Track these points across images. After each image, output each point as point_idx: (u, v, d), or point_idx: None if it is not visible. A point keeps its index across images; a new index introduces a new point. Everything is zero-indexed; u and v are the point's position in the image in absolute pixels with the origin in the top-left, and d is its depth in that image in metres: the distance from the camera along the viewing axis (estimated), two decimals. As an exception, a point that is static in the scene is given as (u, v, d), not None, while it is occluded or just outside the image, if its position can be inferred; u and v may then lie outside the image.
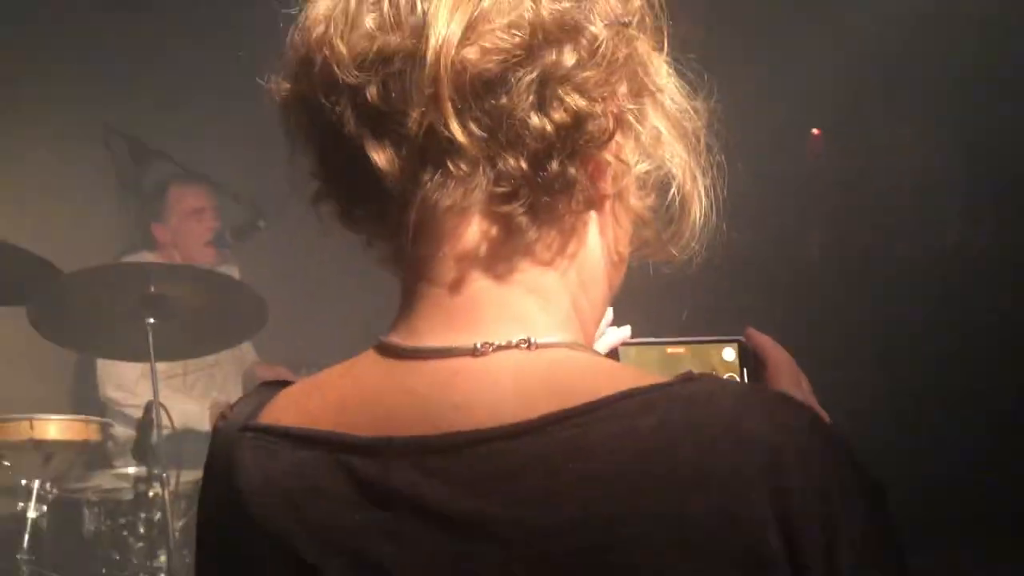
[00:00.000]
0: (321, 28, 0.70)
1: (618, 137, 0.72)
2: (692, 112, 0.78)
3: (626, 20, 0.72)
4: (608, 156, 0.72)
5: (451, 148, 0.67)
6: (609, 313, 0.99)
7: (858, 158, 3.04)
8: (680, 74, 0.79)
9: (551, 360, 0.71)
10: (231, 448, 0.76)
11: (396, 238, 0.74)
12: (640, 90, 0.74)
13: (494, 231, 0.71)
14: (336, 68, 0.69)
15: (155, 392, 2.81)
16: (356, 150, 0.70)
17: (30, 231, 2.96)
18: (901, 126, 3.01)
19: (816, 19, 2.98)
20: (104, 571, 2.88)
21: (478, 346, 0.70)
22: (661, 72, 0.77)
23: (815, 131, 3.06)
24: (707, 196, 0.79)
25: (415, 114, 0.67)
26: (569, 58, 0.68)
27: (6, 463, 2.91)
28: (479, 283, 0.72)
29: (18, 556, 2.78)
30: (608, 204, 0.75)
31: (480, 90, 0.67)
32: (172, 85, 3.65)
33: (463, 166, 0.67)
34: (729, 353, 0.97)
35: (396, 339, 0.74)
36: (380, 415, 0.71)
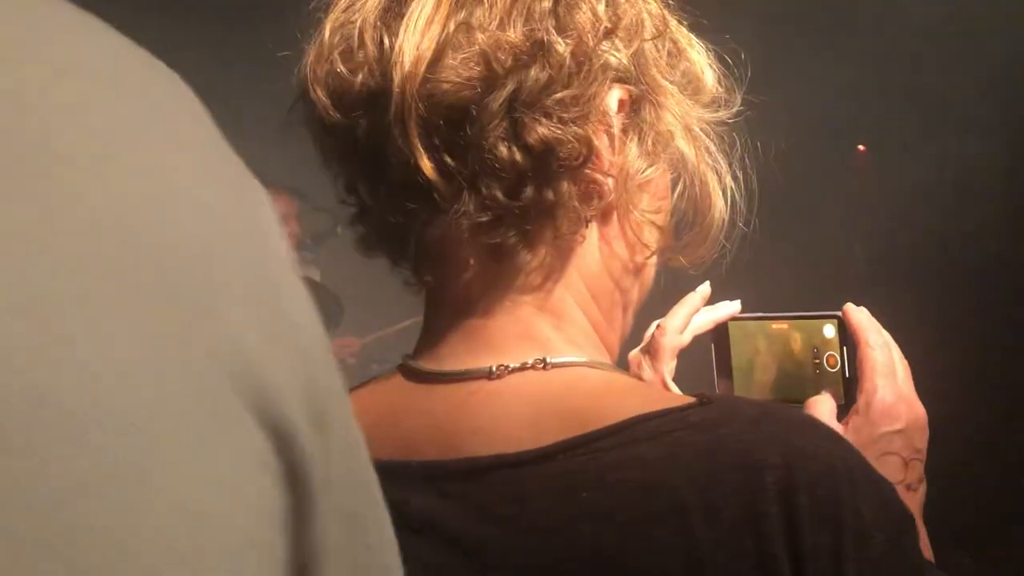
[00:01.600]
0: (308, 72, 0.71)
1: (606, 152, 0.69)
2: (708, 106, 0.76)
3: (607, 27, 0.68)
4: (597, 174, 0.69)
5: (429, 182, 0.66)
6: (706, 287, 1.01)
7: (903, 166, 3.06)
8: (714, 62, 0.76)
9: (565, 381, 0.69)
10: None
11: (408, 265, 0.75)
12: (641, 94, 0.71)
13: (490, 257, 0.70)
14: (323, 111, 0.69)
15: None
16: (356, 184, 0.72)
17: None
18: (945, 135, 3.02)
19: (858, 30, 3.03)
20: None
21: (493, 369, 0.70)
22: (672, 70, 0.74)
23: (861, 147, 3.10)
24: (741, 190, 0.76)
25: (392, 151, 0.66)
26: (535, 82, 0.65)
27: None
28: (488, 307, 0.71)
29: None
30: (614, 215, 0.73)
31: (448, 124, 0.65)
32: (258, 100, 3.82)
33: (445, 199, 0.67)
34: (829, 330, 0.95)
35: (418, 362, 0.74)
36: (401, 438, 0.71)
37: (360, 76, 0.67)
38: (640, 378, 1.02)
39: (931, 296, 2.79)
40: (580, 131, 0.67)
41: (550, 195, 0.67)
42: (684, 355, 1.04)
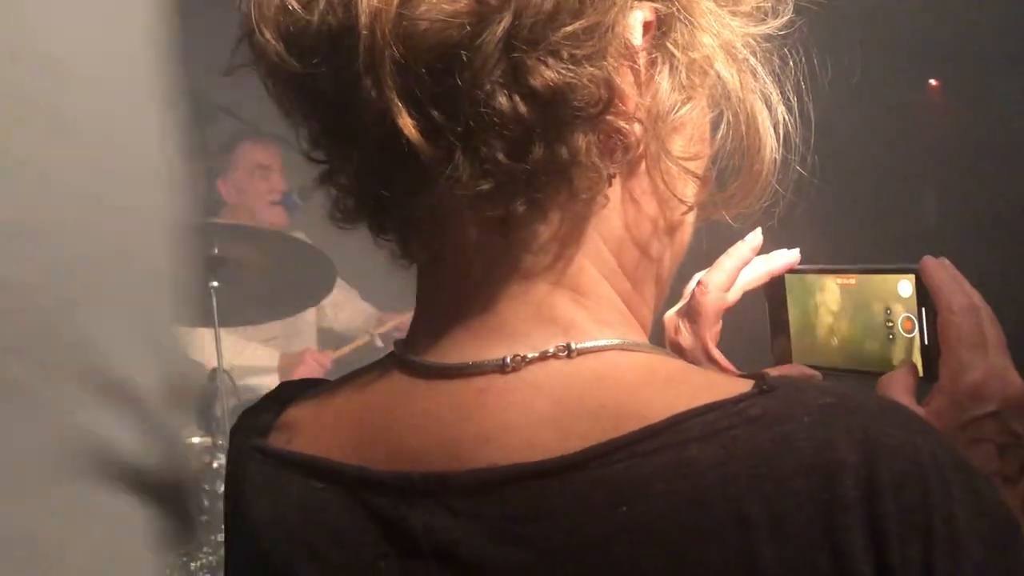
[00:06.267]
0: (252, 7, 0.63)
1: (632, 93, 0.62)
2: (750, 17, 0.68)
3: None
4: (620, 120, 0.62)
5: (411, 144, 0.59)
6: (757, 236, 0.95)
7: (978, 107, 2.94)
8: None
9: (596, 371, 0.63)
10: (242, 466, 0.74)
11: (394, 237, 0.69)
12: (670, 12, 0.64)
13: (494, 230, 0.64)
14: (275, 57, 0.63)
15: (219, 359, 2.87)
16: (322, 141, 0.66)
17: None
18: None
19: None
20: (167, 543, 2.98)
21: (507, 360, 0.63)
22: None
23: (933, 82, 2.98)
24: (792, 128, 0.70)
25: (364, 106, 0.60)
26: (538, 12, 0.57)
27: (68, 430, 3.04)
28: (496, 287, 0.65)
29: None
30: (641, 166, 0.66)
31: (432, 71, 0.58)
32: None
33: (434, 163, 0.60)
34: (905, 287, 0.87)
35: (415, 353, 0.68)
36: (399, 444, 0.66)
37: (317, 13, 0.60)
38: (678, 345, 0.97)
39: (1016, 251, 2.67)
40: (597, 71, 0.59)
41: (564, 152, 0.60)
42: (731, 311, 0.98)
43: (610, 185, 0.64)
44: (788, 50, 0.69)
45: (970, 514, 0.56)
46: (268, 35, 0.62)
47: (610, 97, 0.60)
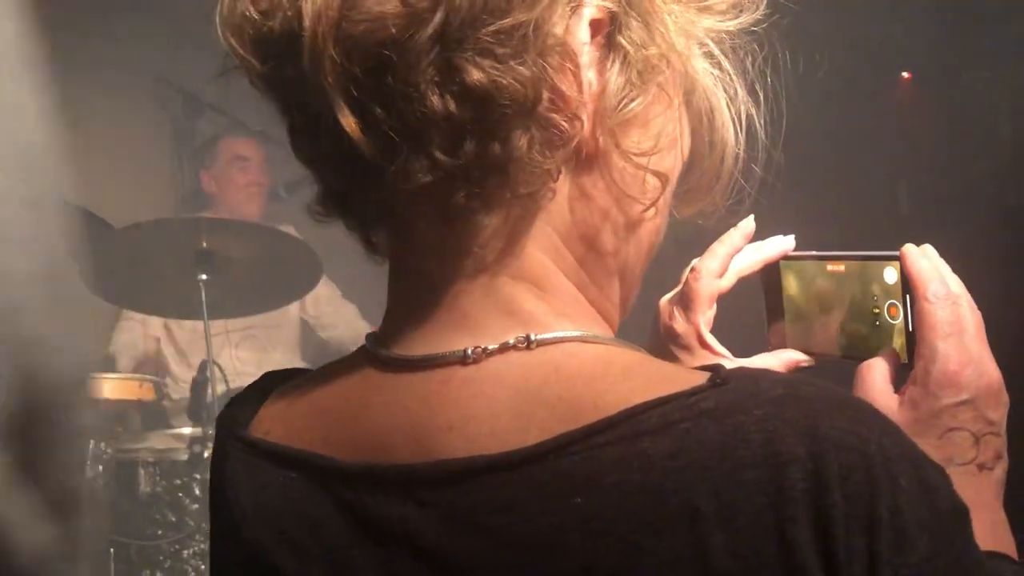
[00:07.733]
0: (220, 18, 0.66)
1: (570, 91, 0.62)
2: (724, 14, 0.69)
3: None
4: (559, 116, 0.62)
5: (353, 141, 0.61)
6: (749, 223, 0.94)
7: (951, 98, 2.97)
8: None
9: (555, 362, 0.64)
10: (224, 455, 0.76)
11: (359, 232, 0.71)
12: (621, 13, 0.64)
13: (445, 222, 0.65)
14: (244, 62, 0.65)
15: (208, 351, 2.91)
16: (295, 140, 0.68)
17: (85, 187, 2.99)
18: (1000, 59, 2.93)
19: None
20: (160, 532, 2.96)
21: (469, 352, 0.65)
22: None
23: (905, 74, 3.00)
24: (759, 123, 0.70)
25: (313, 104, 0.62)
26: (462, 12, 0.58)
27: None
28: (454, 279, 0.67)
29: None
30: (598, 163, 0.66)
31: (367, 70, 0.60)
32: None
33: (376, 158, 0.62)
34: (891, 274, 0.87)
35: (384, 346, 0.70)
36: (366, 436, 0.67)
37: (275, 20, 0.63)
38: (672, 330, 0.97)
39: (986, 241, 2.70)
40: (524, 70, 0.60)
41: (496, 148, 0.61)
42: (728, 298, 0.98)
43: (555, 180, 0.65)
44: (760, 46, 0.69)
45: (917, 505, 0.56)
46: (233, 41, 0.65)
47: (538, 95, 0.61)
